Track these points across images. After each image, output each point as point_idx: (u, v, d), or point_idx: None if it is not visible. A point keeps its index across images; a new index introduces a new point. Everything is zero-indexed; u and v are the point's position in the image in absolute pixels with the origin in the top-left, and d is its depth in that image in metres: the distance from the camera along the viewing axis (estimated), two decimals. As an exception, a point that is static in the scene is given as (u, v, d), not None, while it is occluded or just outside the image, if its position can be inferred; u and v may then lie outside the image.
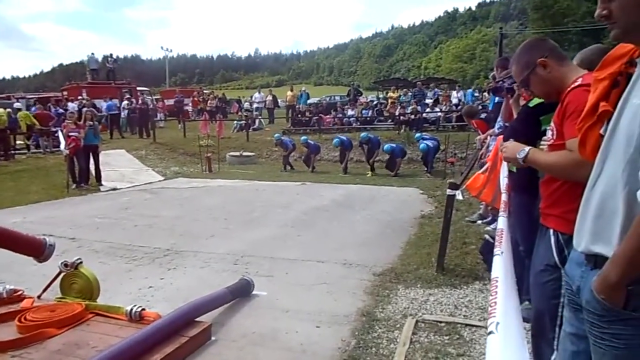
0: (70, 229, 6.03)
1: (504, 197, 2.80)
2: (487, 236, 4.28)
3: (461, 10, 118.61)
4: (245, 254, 4.91)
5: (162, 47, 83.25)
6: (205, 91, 29.73)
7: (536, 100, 2.77)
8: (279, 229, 6.06)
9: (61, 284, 3.38)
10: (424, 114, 17.40)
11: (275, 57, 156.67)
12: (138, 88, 24.74)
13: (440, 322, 3.21)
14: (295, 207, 7.45)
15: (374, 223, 6.18)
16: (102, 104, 18.42)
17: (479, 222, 5.83)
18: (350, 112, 19.22)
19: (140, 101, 18.60)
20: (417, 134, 13.33)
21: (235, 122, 19.97)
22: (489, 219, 5.55)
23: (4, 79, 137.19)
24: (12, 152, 13.34)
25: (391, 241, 5.35)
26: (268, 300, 3.74)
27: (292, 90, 21.45)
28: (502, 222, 2.32)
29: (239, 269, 4.45)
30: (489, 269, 3.43)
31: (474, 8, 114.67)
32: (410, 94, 21.15)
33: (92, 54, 24.41)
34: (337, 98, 29.53)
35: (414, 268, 4.29)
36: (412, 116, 16.79)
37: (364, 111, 19.79)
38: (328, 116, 19.37)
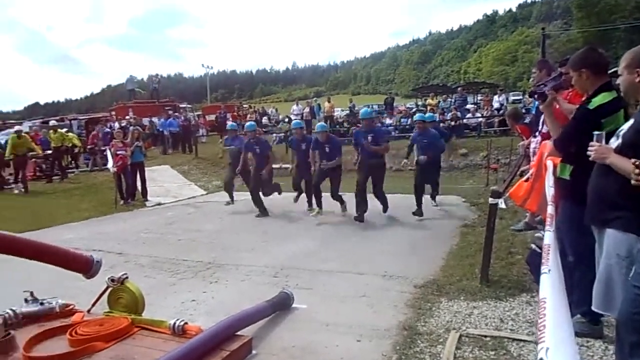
0: (118, 244, 6.26)
1: (550, 209, 2.64)
2: (533, 245, 4.10)
3: (501, 12, 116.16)
4: (285, 267, 4.93)
5: (202, 65, 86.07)
6: (244, 105, 30.36)
7: (596, 102, 2.64)
8: (318, 240, 6.06)
9: (108, 298, 3.50)
10: (465, 120, 17.05)
11: (312, 69, 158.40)
12: (180, 105, 25.57)
13: (486, 336, 3.09)
14: (334, 217, 7.43)
15: (415, 233, 6.08)
16: (157, 121, 19.29)
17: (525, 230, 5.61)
18: (388, 121, 19.08)
19: (182, 118, 19.17)
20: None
21: (274, 134, 20.23)
22: (537, 228, 5.34)
23: (58, 102, 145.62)
24: (66, 171, 14.06)
25: (433, 252, 5.24)
26: (308, 313, 3.72)
27: (329, 101, 21.55)
28: (548, 238, 2.18)
29: (278, 282, 4.46)
30: (536, 280, 3.28)
31: (514, 9, 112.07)
32: (450, 100, 20.83)
33: (131, 75, 25.50)
34: (375, 107, 29.41)
35: (457, 280, 4.17)
36: (452, 122, 16.49)
37: (402, 119, 19.58)
38: (366, 126, 19.30)
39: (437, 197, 8.25)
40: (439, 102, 20.83)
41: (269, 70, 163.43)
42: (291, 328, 3.45)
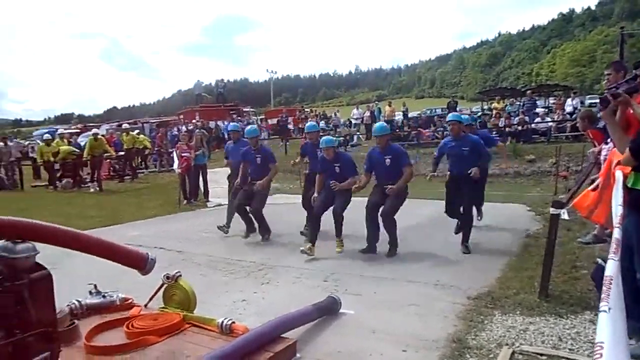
0: (179, 242, 6.54)
1: (616, 233, 2.37)
2: (599, 260, 3.81)
3: (578, 10, 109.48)
4: (336, 271, 4.92)
5: (267, 70, 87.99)
6: (306, 109, 30.78)
7: None
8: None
9: (163, 294, 3.66)
10: (533, 125, 16.22)
11: (375, 73, 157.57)
12: (244, 109, 26.38)
13: (541, 354, 2.91)
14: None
15: (472, 242, 5.84)
16: (222, 125, 20.06)
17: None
18: (449, 126, 18.56)
19: (245, 121, 19.76)
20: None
21: (334, 138, 20.35)
22: (606, 241, 4.96)
23: (134, 105, 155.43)
24: (137, 171, 14.97)
25: (490, 262, 5.02)
26: (355, 319, 3.69)
27: (390, 105, 21.33)
28: (610, 268, 1.90)
29: (328, 286, 4.46)
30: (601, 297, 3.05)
31: (593, 7, 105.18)
32: (518, 103, 19.91)
33: (198, 80, 26.68)
34: (438, 111, 28.73)
35: (514, 293, 3.96)
36: (519, 127, 15.76)
37: (465, 124, 18.95)
38: (427, 130, 18.92)
39: (500, 206, 7.86)
40: (506, 105, 19.99)
41: (331, 74, 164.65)
42: (337, 333, 3.44)
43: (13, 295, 2.46)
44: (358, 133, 20.89)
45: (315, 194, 5.94)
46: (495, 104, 21.09)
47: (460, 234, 5.76)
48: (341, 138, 19.08)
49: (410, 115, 24.89)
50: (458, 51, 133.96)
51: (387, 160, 5.58)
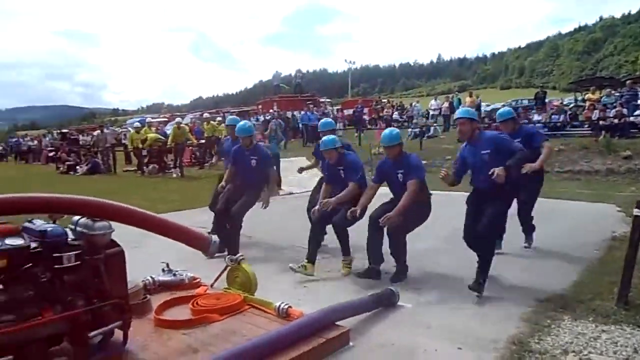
0: (248, 227, 6.78)
1: None
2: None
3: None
4: (399, 264, 4.85)
5: (345, 60, 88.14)
6: (383, 100, 30.46)
7: None
8: (437, 240, 5.82)
9: (227, 276, 3.86)
10: (632, 118, 14.76)
11: (459, 62, 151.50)
12: (320, 100, 26.66)
13: (612, 366, 2.70)
14: (461, 219, 7.05)
15: (549, 242, 5.49)
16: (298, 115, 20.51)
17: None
18: (536, 117, 17.42)
19: (319, 112, 19.97)
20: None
21: (409, 130, 19.95)
22: None
23: (218, 96, 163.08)
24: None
25: (566, 265, 4.70)
26: (412, 313, 3.65)
27: (470, 96, 20.47)
28: None
29: (389, 278, 4.43)
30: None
31: None
32: (616, 94, 18.20)
33: (277, 71, 27.26)
34: (525, 102, 27.06)
35: (589, 298, 3.69)
36: (615, 120, 14.42)
37: (553, 116, 17.69)
38: (510, 122, 17.89)
39: (585, 205, 7.21)
40: (602, 96, 18.35)
41: (412, 64, 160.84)
42: (392, 326, 3.42)
43: (91, 268, 2.72)
44: (435, 124, 20.30)
45: (317, 206, 4.78)
46: (589, 95, 19.42)
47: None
48: (417, 129, 18.67)
49: (492, 107, 23.65)
50: (552, 37, 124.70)
51: (400, 175, 4.50)
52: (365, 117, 23.86)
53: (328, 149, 4.88)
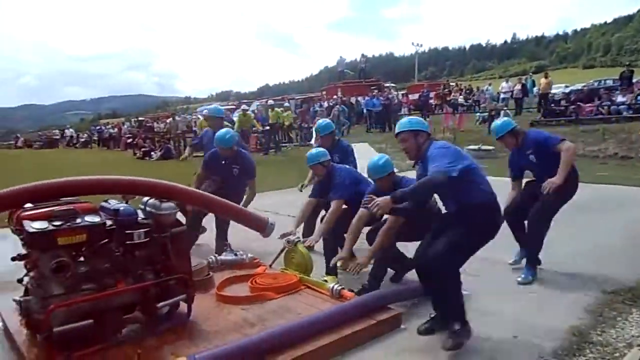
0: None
1: None
2: None
3: None
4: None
5: (413, 43, 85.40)
6: (451, 83, 29.47)
7: None
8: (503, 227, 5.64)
9: (284, 257, 4.02)
10: None
11: (536, 41, 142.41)
12: (385, 84, 26.31)
13: (682, 363, 2.53)
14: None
15: (620, 232, 5.16)
16: (362, 101, 20.49)
17: None
18: (620, 99, 16.09)
19: (383, 97, 19.73)
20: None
21: (478, 114, 19.22)
22: None
23: (284, 83, 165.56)
24: (280, 145, 16.17)
25: (638, 256, 4.39)
26: (469, 299, 3.57)
27: (546, 77, 19.28)
28: None
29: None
30: None
31: None
32: None
33: (341, 56, 27.18)
34: (609, 82, 25.02)
35: (662, 292, 3.45)
36: None
37: (640, 97, 16.25)
38: (589, 104, 16.71)
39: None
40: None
41: (484, 45, 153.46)
42: (446, 311, 3.39)
43: (159, 245, 2.97)
44: (506, 108, 19.36)
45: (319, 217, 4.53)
46: (683, 73, 17.65)
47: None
48: (485, 114, 17.95)
49: (570, 88, 22.17)
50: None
51: None
52: (432, 101, 23.26)
53: (313, 164, 4.39)
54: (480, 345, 2.91)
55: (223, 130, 4.98)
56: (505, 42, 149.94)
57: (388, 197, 2.76)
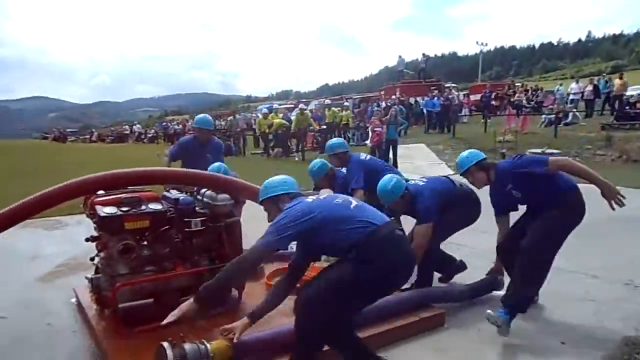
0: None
1: None
2: None
3: None
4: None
5: (477, 42, 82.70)
6: (517, 84, 28.29)
7: None
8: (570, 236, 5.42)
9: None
10: None
11: (613, 39, 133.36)
12: (446, 85, 25.74)
13: None
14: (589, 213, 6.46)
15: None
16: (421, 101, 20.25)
17: None
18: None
19: (443, 98, 19.31)
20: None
21: (543, 116, 18.37)
22: None
23: (343, 82, 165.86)
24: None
25: None
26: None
27: (621, 78, 18.10)
28: None
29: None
30: None
31: None
32: None
33: (400, 56, 26.77)
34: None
35: None
36: None
37: None
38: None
39: None
40: None
41: (555, 43, 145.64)
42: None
43: (214, 233, 3.18)
44: (575, 110, 18.38)
45: None
46: None
47: None
48: (552, 116, 17.15)
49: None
50: None
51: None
52: (494, 102, 22.49)
53: (318, 178, 4.49)
54: (523, 348, 2.89)
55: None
56: (580, 40, 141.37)
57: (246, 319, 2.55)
